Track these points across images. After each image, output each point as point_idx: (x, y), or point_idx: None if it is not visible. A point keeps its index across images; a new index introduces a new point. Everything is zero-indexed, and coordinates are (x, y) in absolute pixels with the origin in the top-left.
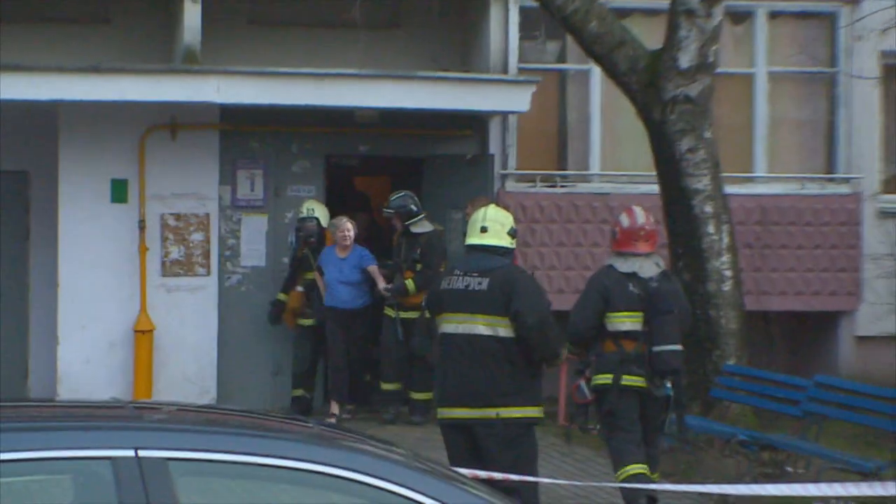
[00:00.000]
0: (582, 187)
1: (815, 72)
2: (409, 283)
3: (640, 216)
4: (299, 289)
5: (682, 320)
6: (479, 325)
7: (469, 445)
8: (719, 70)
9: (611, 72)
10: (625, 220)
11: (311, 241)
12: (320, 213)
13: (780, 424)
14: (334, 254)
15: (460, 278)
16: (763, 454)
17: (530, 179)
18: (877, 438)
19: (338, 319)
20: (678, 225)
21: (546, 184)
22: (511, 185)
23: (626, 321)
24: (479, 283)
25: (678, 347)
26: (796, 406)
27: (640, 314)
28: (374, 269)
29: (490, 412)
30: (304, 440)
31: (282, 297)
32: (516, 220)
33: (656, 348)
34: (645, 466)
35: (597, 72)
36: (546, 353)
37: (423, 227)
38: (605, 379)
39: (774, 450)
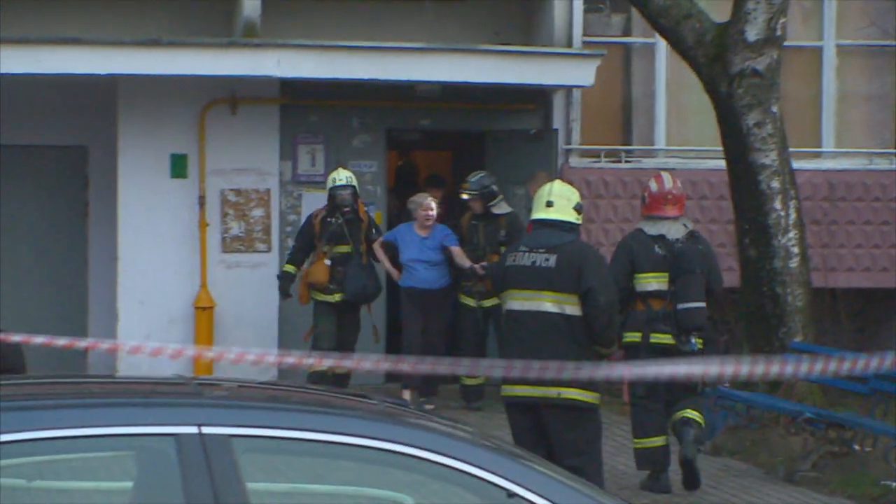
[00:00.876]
0: (647, 162)
1: (885, 45)
2: None
3: (668, 181)
4: (327, 262)
5: (711, 280)
6: (547, 303)
7: (533, 424)
8: (787, 43)
9: (677, 45)
10: (654, 186)
11: (346, 211)
12: (355, 181)
13: (847, 402)
14: (413, 232)
15: (526, 254)
16: (830, 432)
17: (595, 155)
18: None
19: (417, 301)
20: (745, 200)
21: (611, 159)
22: (575, 161)
23: (651, 281)
24: (547, 260)
25: (702, 305)
26: (864, 384)
27: (665, 274)
28: (457, 250)
29: (552, 391)
30: (368, 417)
31: (290, 268)
32: (581, 195)
33: (681, 306)
34: (664, 437)
35: (662, 45)
36: (608, 336)
37: (503, 208)
38: (634, 337)
39: (841, 427)
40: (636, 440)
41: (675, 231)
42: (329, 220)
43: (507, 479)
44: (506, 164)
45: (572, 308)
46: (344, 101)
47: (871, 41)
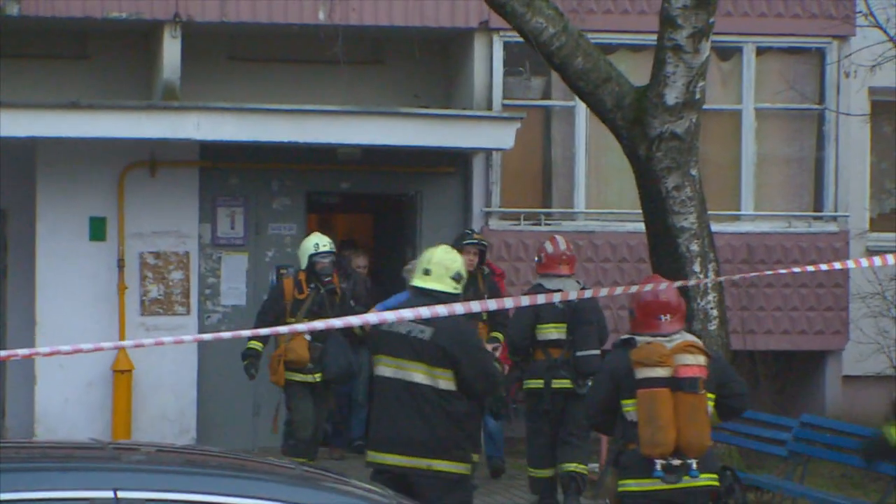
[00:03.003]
0: (567, 225)
1: (803, 108)
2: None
3: (562, 244)
4: (307, 337)
5: (600, 330)
6: (419, 374)
7: (401, 490)
8: (706, 106)
9: (596, 108)
10: (549, 247)
11: (327, 281)
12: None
13: (766, 464)
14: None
15: (401, 324)
16: (749, 495)
17: (514, 217)
18: (863, 479)
19: None
20: (664, 263)
21: (530, 222)
22: (495, 223)
23: (552, 331)
24: (422, 332)
25: (597, 352)
26: (782, 446)
27: (563, 325)
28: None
29: (422, 462)
30: (284, 481)
31: (257, 345)
32: (499, 258)
33: (579, 353)
34: (552, 470)
35: (582, 108)
36: (491, 396)
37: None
38: (536, 383)
39: (760, 490)
40: (533, 471)
41: (569, 286)
42: (309, 288)
43: None
44: (427, 225)
45: (445, 382)
46: (264, 164)
47: (790, 104)
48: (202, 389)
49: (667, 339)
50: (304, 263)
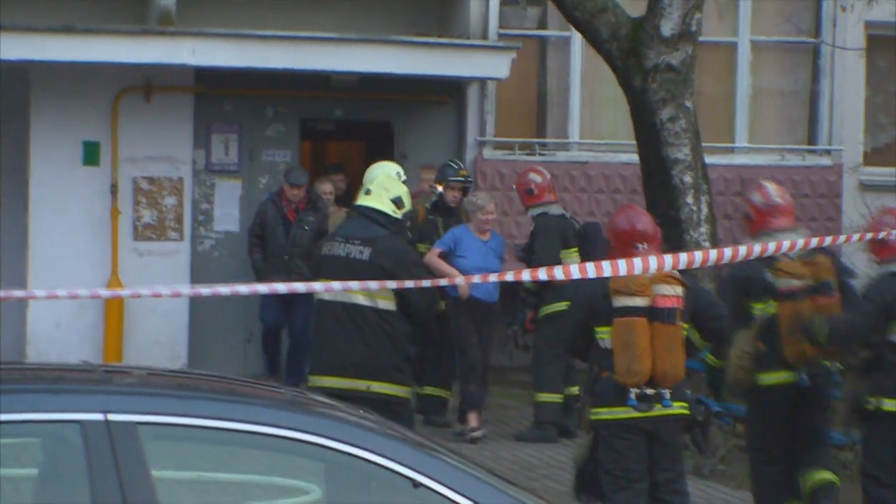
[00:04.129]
0: (561, 155)
1: (799, 42)
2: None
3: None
4: None
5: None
6: (359, 295)
7: None
8: (702, 39)
9: (592, 39)
10: (537, 178)
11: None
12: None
13: None
14: (473, 236)
15: (342, 244)
16: (737, 426)
17: (509, 147)
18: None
19: (474, 314)
20: (657, 195)
21: (524, 151)
22: (489, 153)
23: (574, 256)
24: (361, 252)
25: None
26: None
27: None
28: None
29: (361, 384)
30: (275, 405)
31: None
32: (493, 188)
33: None
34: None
35: (577, 39)
36: (427, 316)
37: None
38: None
39: (740, 420)
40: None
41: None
42: (429, 217)
43: (413, 468)
44: (418, 154)
45: (385, 302)
46: (258, 91)
47: (786, 38)
48: (193, 315)
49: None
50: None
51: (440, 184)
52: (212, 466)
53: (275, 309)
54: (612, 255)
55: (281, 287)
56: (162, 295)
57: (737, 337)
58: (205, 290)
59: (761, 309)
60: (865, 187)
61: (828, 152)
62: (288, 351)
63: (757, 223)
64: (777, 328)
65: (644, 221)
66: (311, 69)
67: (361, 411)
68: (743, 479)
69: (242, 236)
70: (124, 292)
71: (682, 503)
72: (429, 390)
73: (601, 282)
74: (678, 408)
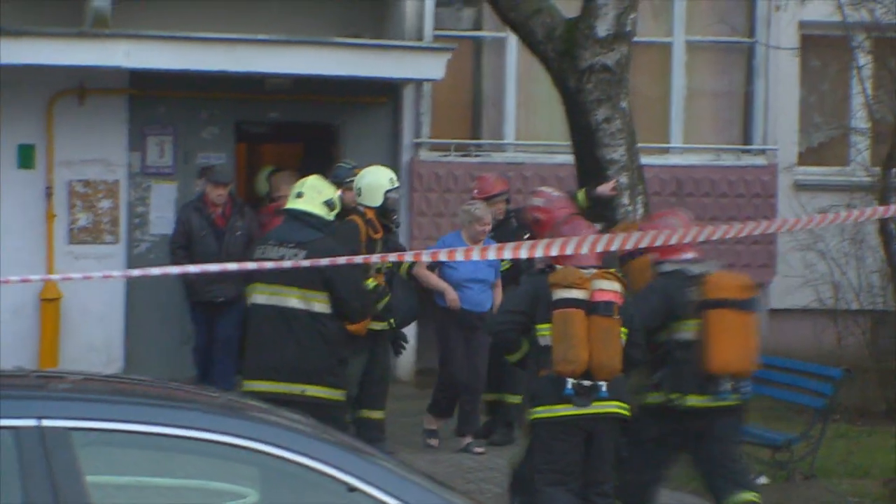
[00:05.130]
0: (496, 157)
1: (734, 42)
2: None
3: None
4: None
5: None
6: (293, 299)
7: None
8: (637, 39)
9: (527, 40)
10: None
11: (396, 219)
12: None
13: None
14: (466, 245)
15: (276, 248)
16: None
17: (444, 148)
18: (788, 412)
19: (463, 325)
20: None
21: (460, 153)
22: (425, 154)
23: None
24: (295, 255)
25: None
26: None
27: None
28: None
29: (295, 388)
30: (210, 410)
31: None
32: (429, 189)
33: None
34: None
35: (513, 39)
36: (362, 318)
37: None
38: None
39: None
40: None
41: None
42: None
43: (347, 472)
44: (354, 156)
45: (320, 305)
46: (193, 93)
47: (720, 38)
48: (130, 319)
49: (584, 269)
50: (377, 200)
51: (336, 186)
52: (147, 471)
53: (201, 325)
54: (553, 258)
55: (213, 267)
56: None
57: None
58: (136, 271)
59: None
60: (800, 187)
61: (762, 152)
62: (217, 358)
63: (547, 223)
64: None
65: (585, 227)
66: (246, 71)
67: (296, 415)
68: (680, 481)
69: None
70: (55, 276)
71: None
72: (364, 413)
73: (544, 280)
74: (616, 406)
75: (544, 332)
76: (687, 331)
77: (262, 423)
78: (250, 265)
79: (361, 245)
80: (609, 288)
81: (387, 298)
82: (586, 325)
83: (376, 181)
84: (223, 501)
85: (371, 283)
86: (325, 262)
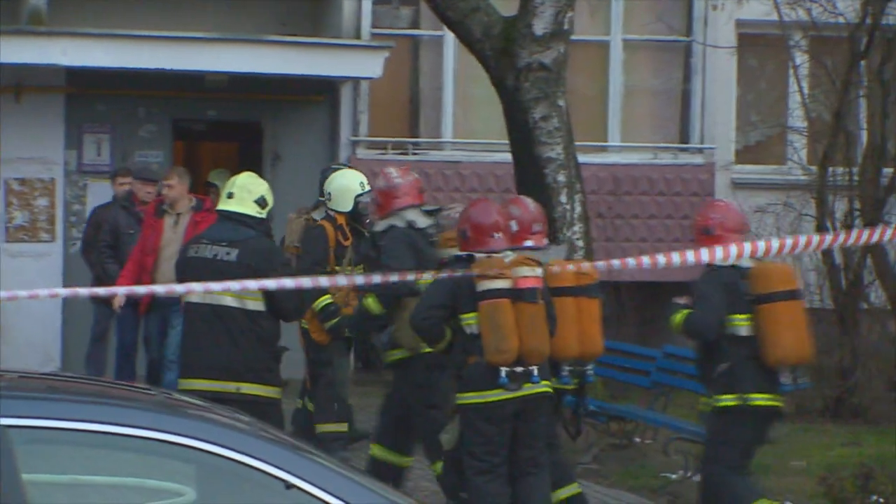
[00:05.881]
0: (434, 155)
1: (671, 40)
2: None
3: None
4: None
5: None
6: (227, 297)
7: None
8: (574, 38)
9: (465, 38)
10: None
11: (368, 224)
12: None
13: (630, 395)
14: None
15: (208, 247)
16: (611, 425)
17: (382, 147)
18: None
19: None
20: (530, 194)
21: (398, 151)
22: (362, 153)
23: None
24: (228, 254)
25: None
26: (646, 376)
27: None
28: None
29: (231, 386)
30: (147, 408)
31: (329, 300)
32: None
33: None
34: None
35: (450, 38)
36: (297, 317)
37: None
38: None
39: (623, 420)
40: None
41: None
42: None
43: (285, 469)
44: (292, 154)
45: (254, 303)
46: (131, 91)
47: (658, 36)
48: (67, 318)
49: (500, 255)
50: (348, 205)
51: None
52: (84, 469)
53: (128, 323)
54: (467, 243)
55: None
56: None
57: None
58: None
59: None
60: (737, 185)
61: (700, 151)
62: (147, 367)
63: (383, 206)
64: None
65: (496, 213)
66: (183, 69)
67: (234, 413)
68: (616, 478)
69: None
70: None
71: (543, 473)
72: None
73: (463, 269)
74: (544, 386)
75: (470, 321)
76: (742, 325)
77: (198, 420)
78: (320, 281)
79: (329, 251)
80: (531, 274)
81: (336, 319)
82: (513, 314)
83: (346, 185)
84: (160, 499)
85: (325, 300)
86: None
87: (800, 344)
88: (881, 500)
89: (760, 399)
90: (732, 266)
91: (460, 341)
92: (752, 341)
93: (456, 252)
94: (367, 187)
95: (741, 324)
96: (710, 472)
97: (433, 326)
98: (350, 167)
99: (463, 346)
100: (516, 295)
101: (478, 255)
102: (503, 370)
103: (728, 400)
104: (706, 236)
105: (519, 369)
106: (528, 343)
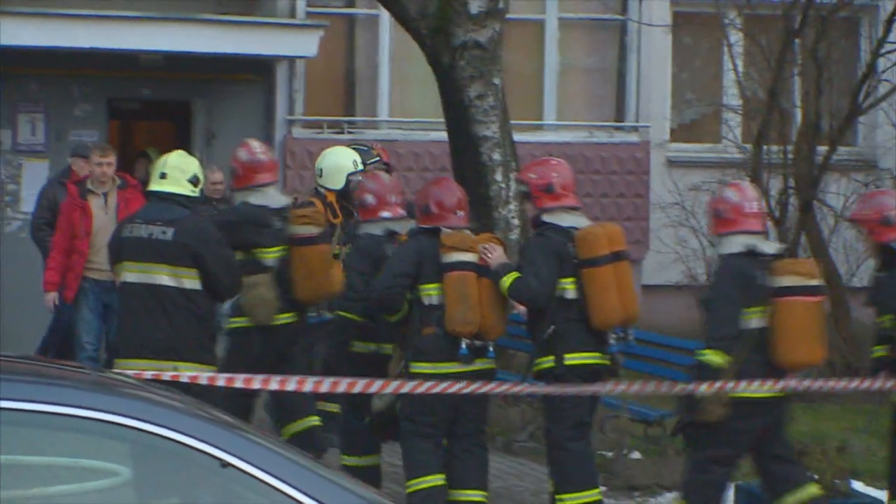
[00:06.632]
0: (370, 134)
1: (606, 19)
2: None
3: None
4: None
5: None
6: (164, 276)
7: None
8: (510, 16)
9: (400, 17)
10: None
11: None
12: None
13: None
14: None
15: (143, 226)
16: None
17: (318, 126)
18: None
19: None
20: (466, 172)
21: (334, 130)
22: (298, 132)
23: None
24: (164, 233)
25: None
26: None
27: None
28: None
29: (168, 365)
30: (82, 387)
31: None
32: (303, 167)
33: None
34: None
35: (386, 17)
36: (232, 294)
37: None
38: None
39: None
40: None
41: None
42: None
43: (221, 448)
44: (227, 133)
45: (191, 282)
46: (65, 70)
47: (593, 15)
48: (1, 297)
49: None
50: (339, 183)
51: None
52: (19, 449)
53: (63, 304)
54: (430, 218)
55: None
56: None
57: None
58: None
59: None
60: (672, 164)
61: (635, 129)
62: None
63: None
64: None
65: (460, 191)
66: (117, 48)
67: (169, 391)
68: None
69: None
70: None
71: (484, 456)
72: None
73: (431, 241)
74: (492, 363)
75: (430, 291)
76: (757, 318)
77: (133, 398)
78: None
79: None
80: (496, 252)
81: None
82: (477, 288)
83: (339, 163)
84: (96, 479)
85: None
86: None
87: (625, 305)
88: (815, 476)
89: (577, 358)
90: (561, 230)
91: (417, 312)
92: (577, 304)
93: (379, 225)
94: (361, 166)
95: (568, 287)
96: (550, 435)
97: (396, 295)
98: (349, 145)
99: (419, 316)
100: (481, 270)
101: (444, 230)
102: (465, 341)
103: (546, 362)
104: (547, 195)
105: (479, 343)
106: (489, 318)
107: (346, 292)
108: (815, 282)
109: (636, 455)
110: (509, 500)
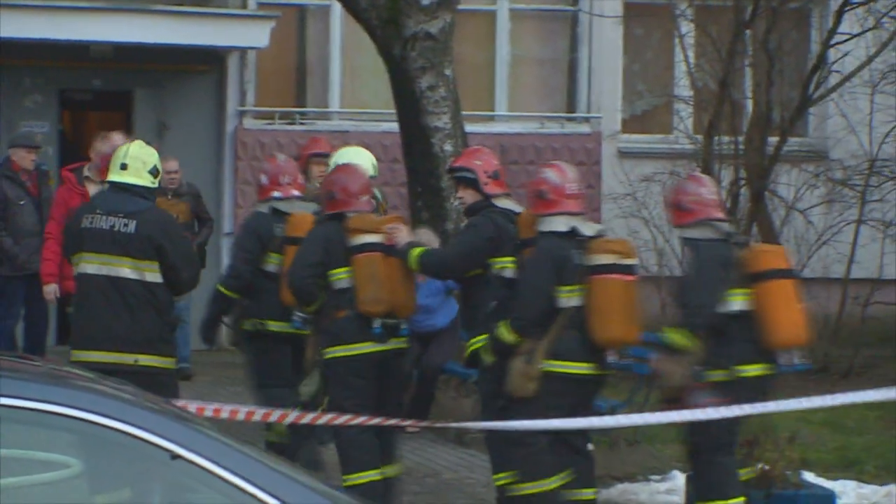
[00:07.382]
0: (321, 125)
1: (558, 10)
2: None
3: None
4: None
5: None
6: (125, 268)
7: None
8: (461, 7)
9: (351, 8)
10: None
11: None
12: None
13: None
14: None
15: (104, 217)
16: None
17: (269, 117)
18: (612, 378)
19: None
20: (418, 163)
21: (285, 121)
22: (249, 123)
23: None
24: (126, 225)
25: None
26: None
27: None
28: None
29: (128, 357)
30: (31, 378)
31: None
32: (254, 157)
33: None
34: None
35: (337, 7)
36: (191, 287)
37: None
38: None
39: None
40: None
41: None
42: None
43: (170, 440)
44: (179, 124)
45: (152, 275)
46: (16, 61)
47: (544, 6)
48: None
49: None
50: None
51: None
52: None
53: (17, 298)
54: (336, 204)
55: None
56: None
57: None
58: None
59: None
60: (624, 155)
61: (587, 120)
62: (25, 334)
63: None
64: None
65: (364, 176)
66: (67, 39)
67: (119, 383)
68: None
69: None
70: None
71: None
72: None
73: (337, 227)
74: (405, 342)
75: (340, 275)
76: (738, 301)
77: (83, 390)
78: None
79: None
80: (401, 231)
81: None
82: (385, 268)
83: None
84: (47, 471)
85: None
86: None
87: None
88: (766, 467)
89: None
90: (508, 213)
91: (330, 297)
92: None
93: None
94: (376, 172)
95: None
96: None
97: (310, 286)
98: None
99: (333, 301)
100: (388, 250)
101: (349, 214)
102: (378, 321)
103: (478, 342)
104: (494, 181)
105: (391, 321)
106: (400, 296)
107: (229, 269)
108: (630, 261)
109: (588, 446)
110: (460, 492)
